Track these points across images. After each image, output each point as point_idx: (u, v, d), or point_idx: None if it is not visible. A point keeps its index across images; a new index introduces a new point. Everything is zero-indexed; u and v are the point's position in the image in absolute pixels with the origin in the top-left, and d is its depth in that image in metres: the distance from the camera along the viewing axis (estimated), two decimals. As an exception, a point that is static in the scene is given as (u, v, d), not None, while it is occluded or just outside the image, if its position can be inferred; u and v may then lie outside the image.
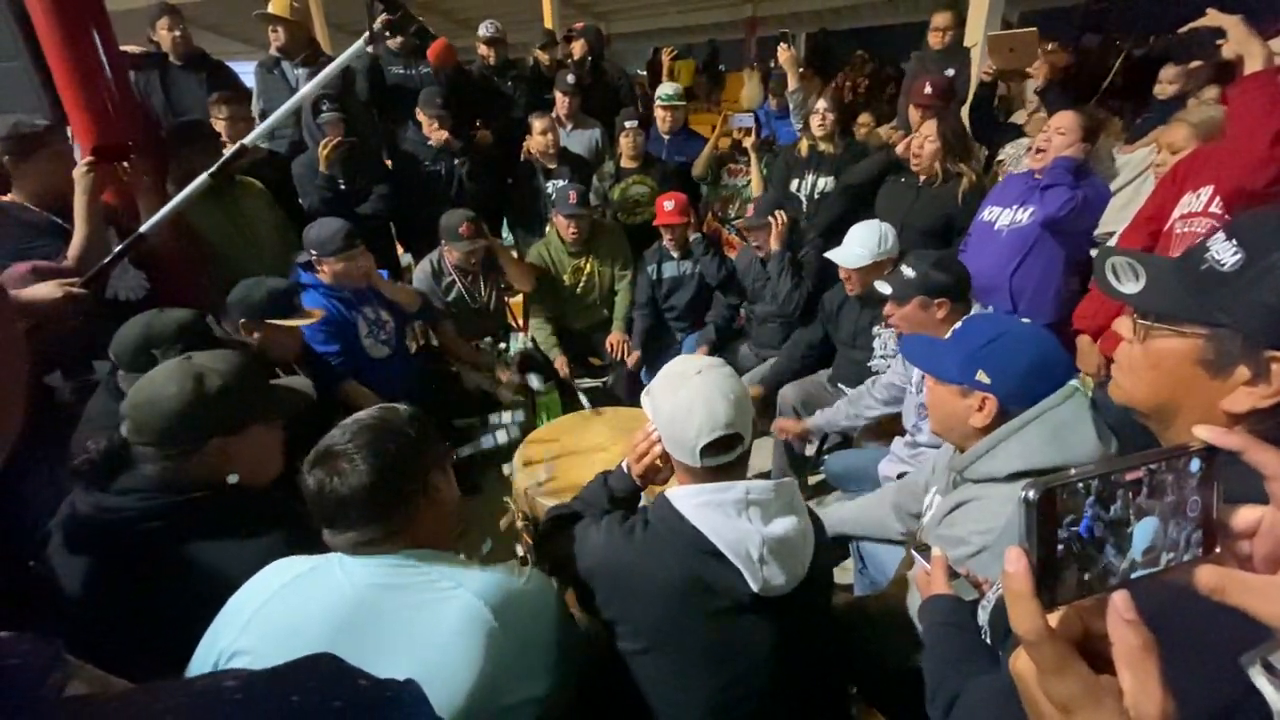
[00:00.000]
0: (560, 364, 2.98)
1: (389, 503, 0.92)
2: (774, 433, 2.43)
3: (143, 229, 1.83)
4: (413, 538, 0.95)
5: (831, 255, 2.34)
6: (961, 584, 0.95)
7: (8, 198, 1.95)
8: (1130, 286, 0.73)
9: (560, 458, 2.05)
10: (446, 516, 1.02)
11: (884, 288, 1.95)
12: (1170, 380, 0.69)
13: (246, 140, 1.96)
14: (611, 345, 3.10)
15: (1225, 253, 0.66)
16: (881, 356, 2.37)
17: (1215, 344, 0.65)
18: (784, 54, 3.42)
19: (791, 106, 3.52)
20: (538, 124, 3.25)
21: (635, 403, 2.93)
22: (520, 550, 2.05)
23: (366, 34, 1.81)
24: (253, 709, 0.32)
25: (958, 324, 1.72)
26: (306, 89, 2.02)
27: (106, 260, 1.80)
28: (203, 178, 1.87)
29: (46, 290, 1.62)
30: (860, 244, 2.27)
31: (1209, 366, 0.66)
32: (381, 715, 0.36)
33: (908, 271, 1.89)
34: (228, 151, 2.65)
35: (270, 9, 3.22)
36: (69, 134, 2.12)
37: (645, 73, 8.07)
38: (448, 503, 1.02)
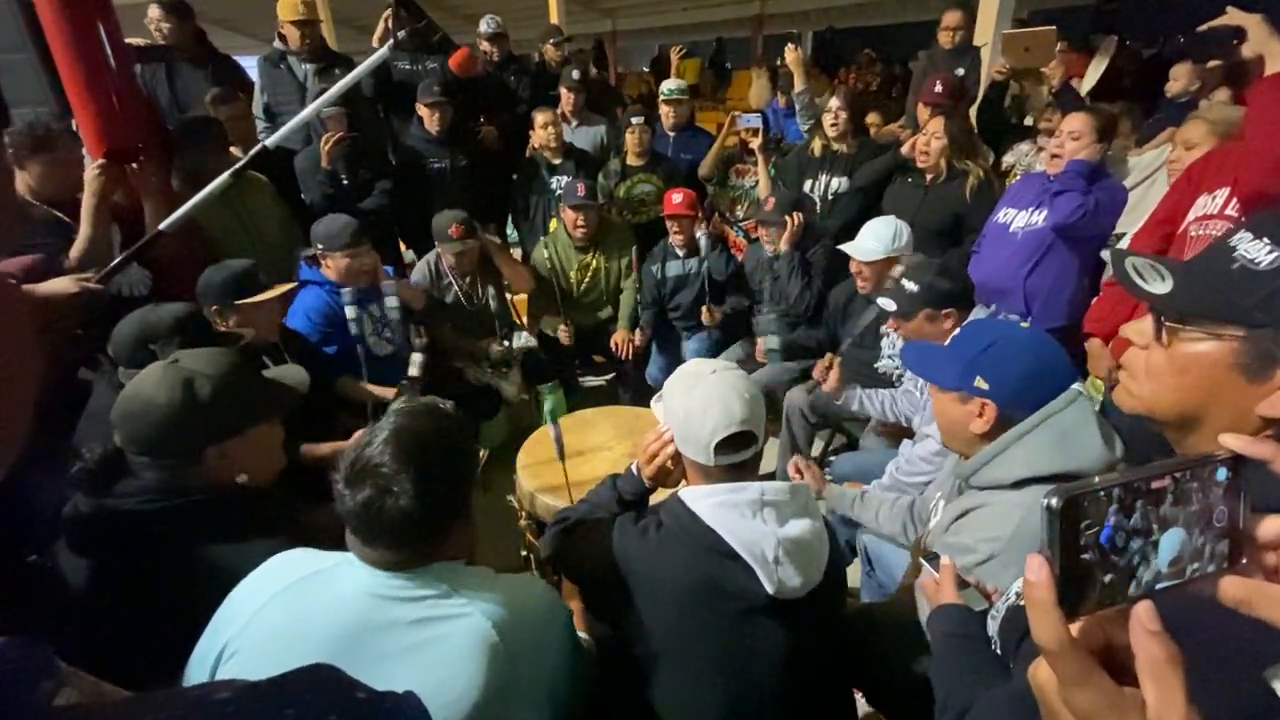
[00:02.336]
0: (564, 335, 2.99)
1: (432, 531, 0.89)
2: (815, 370, 2.33)
3: (162, 226, 1.83)
4: (440, 557, 0.91)
5: (845, 248, 2.31)
6: (971, 594, 0.94)
7: None
8: (1159, 286, 0.71)
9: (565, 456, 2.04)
10: (474, 534, 1.00)
11: (887, 304, 1.90)
12: (1200, 386, 0.67)
13: (269, 142, 1.96)
14: (617, 344, 3.09)
15: (1259, 251, 0.65)
16: (889, 356, 2.34)
17: (1254, 345, 0.63)
18: (791, 54, 3.40)
19: (798, 107, 3.50)
20: (540, 118, 3.23)
21: (639, 401, 2.93)
22: (524, 551, 2.04)
23: (390, 41, 1.82)
24: None
25: (956, 330, 1.70)
26: (335, 90, 2.00)
27: (125, 255, 1.80)
28: (225, 176, 1.87)
29: (62, 285, 1.62)
30: (875, 238, 2.24)
31: (1246, 370, 0.64)
32: None
33: (910, 285, 1.83)
34: (234, 149, 2.67)
35: (289, 9, 3.19)
36: (75, 128, 2.12)
37: (648, 69, 8.06)
38: (476, 521, 1.00)
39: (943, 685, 0.86)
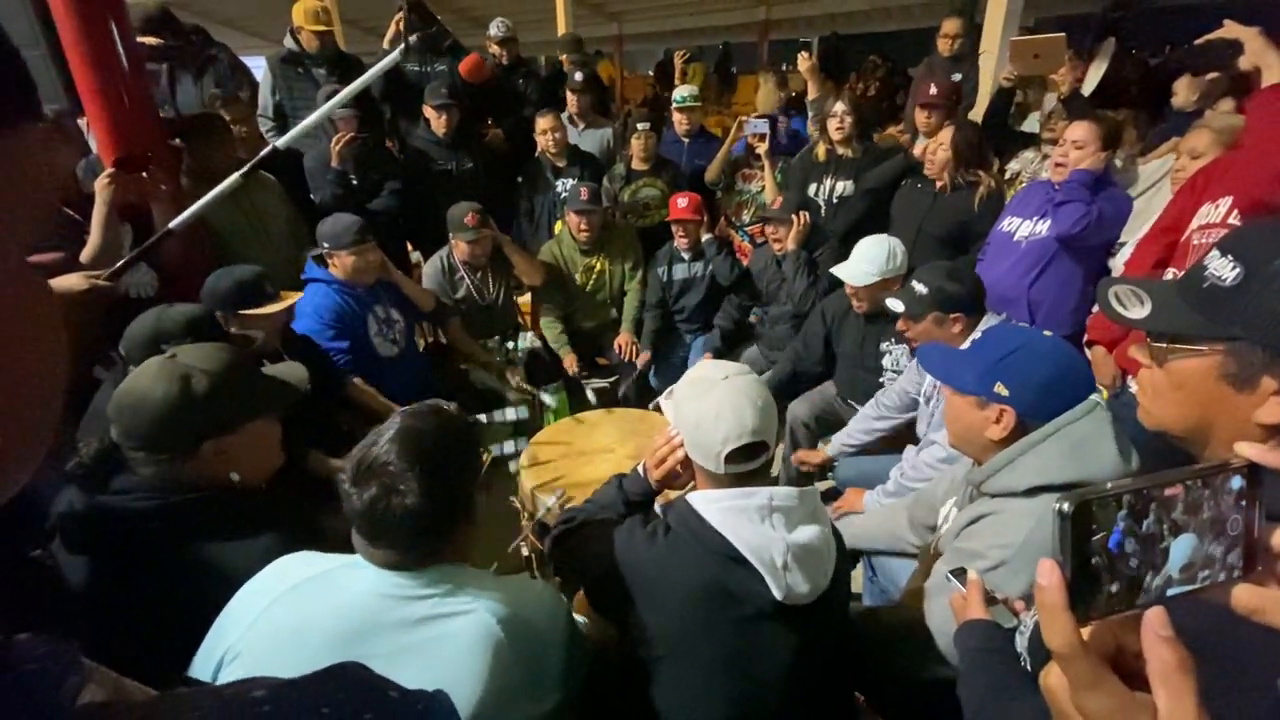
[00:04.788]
0: (569, 361, 2.98)
1: (437, 529, 0.89)
2: (794, 464, 2.38)
3: (172, 225, 1.84)
4: (444, 557, 0.92)
5: (838, 272, 2.26)
6: (1000, 610, 0.93)
7: None
8: (1137, 312, 0.74)
9: (567, 458, 2.04)
10: (476, 533, 1.00)
11: (896, 305, 1.89)
12: (1197, 399, 0.70)
13: (280, 143, 1.97)
14: (620, 346, 3.10)
15: (1224, 269, 0.68)
16: (894, 372, 2.32)
17: (1235, 358, 0.66)
18: (804, 63, 3.41)
19: (810, 115, 3.51)
20: (541, 123, 3.24)
21: (643, 404, 2.93)
22: (525, 551, 2.05)
23: (402, 46, 1.83)
24: None
25: (976, 334, 1.69)
26: (345, 93, 2.02)
27: (133, 254, 1.81)
28: (235, 177, 1.89)
29: (73, 281, 1.63)
30: (869, 261, 2.19)
31: (1233, 381, 0.66)
32: None
33: (919, 287, 1.82)
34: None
35: (308, 17, 3.21)
36: (84, 126, 2.13)
37: (652, 73, 8.07)
38: (480, 521, 1.00)
39: (971, 701, 0.85)
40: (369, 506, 0.85)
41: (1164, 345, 0.72)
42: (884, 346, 2.31)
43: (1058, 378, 1.12)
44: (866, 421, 2.17)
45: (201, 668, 0.89)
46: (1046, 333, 1.23)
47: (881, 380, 2.33)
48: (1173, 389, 0.72)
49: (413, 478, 0.86)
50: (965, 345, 1.30)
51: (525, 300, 3.36)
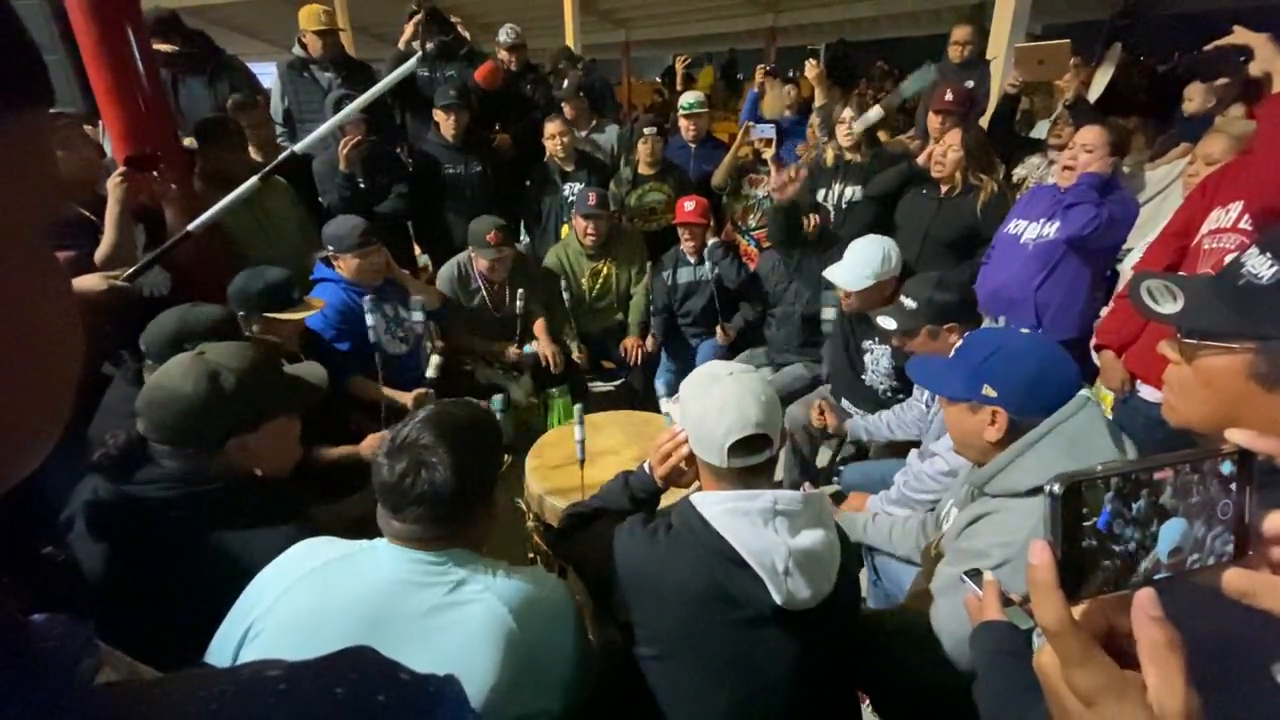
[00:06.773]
0: (577, 355, 2.99)
1: (460, 511, 0.93)
2: (811, 418, 2.31)
3: (191, 227, 1.87)
4: (461, 542, 0.95)
5: (831, 275, 2.22)
6: (1016, 612, 0.93)
7: None
8: (1169, 307, 0.74)
9: (572, 459, 2.04)
10: (492, 527, 1.03)
11: (887, 323, 1.87)
12: (1225, 397, 0.69)
13: (297, 148, 2.00)
14: (626, 349, 3.10)
15: (1261, 266, 0.67)
16: (874, 371, 2.34)
17: (1267, 357, 0.65)
18: (812, 70, 3.41)
19: (819, 121, 3.52)
20: (549, 128, 3.27)
21: (648, 399, 2.93)
22: (531, 554, 2.05)
23: (419, 54, 1.86)
24: (297, 700, 0.32)
25: (959, 341, 1.71)
26: (362, 99, 2.05)
27: (152, 255, 1.84)
28: (253, 181, 1.92)
29: (92, 281, 1.66)
30: (865, 264, 2.15)
31: (1263, 380, 0.66)
32: (424, 710, 0.35)
33: (909, 302, 1.80)
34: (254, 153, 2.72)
35: (312, 19, 3.25)
36: (101, 127, 2.16)
37: (660, 79, 8.12)
38: (498, 516, 1.03)
39: (990, 704, 0.85)
40: (399, 479, 0.90)
41: (1194, 341, 0.71)
42: (865, 344, 2.32)
43: (1042, 372, 1.14)
44: (886, 424, 2.13)
45: (221, 646, 0.91)
46: (1024, 330, 1.25)
47: (863, 378, 2.34)
48: (1200, 386, 0.71)
49: (443, 452, 0.91)
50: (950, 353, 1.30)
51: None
